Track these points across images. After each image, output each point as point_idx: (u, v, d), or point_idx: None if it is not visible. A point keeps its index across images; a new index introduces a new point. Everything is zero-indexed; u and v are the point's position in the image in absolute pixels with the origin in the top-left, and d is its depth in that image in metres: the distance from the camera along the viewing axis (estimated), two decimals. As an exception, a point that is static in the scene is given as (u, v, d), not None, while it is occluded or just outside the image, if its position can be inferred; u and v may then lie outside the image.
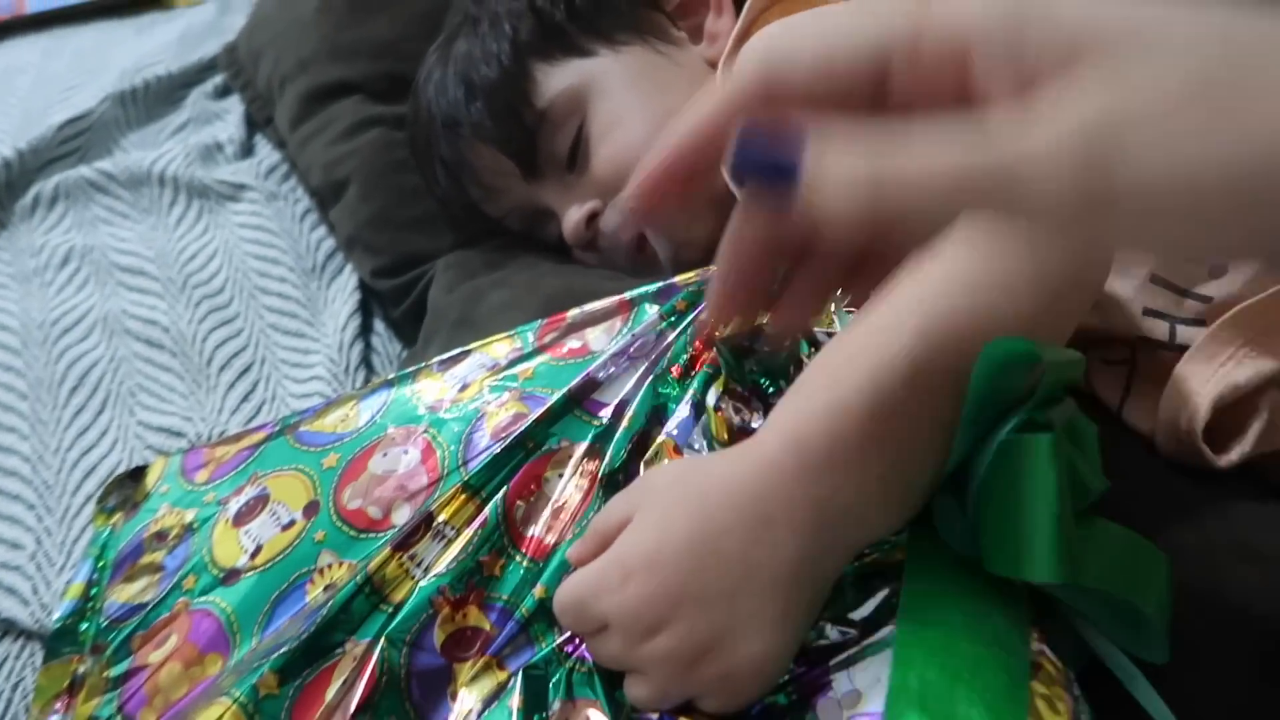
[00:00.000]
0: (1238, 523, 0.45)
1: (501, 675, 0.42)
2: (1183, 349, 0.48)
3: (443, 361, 0.56)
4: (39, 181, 0.91)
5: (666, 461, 0.43)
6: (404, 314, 0.73)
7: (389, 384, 0.56)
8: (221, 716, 0.41)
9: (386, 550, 0.45)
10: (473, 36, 0.63)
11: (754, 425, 0.42)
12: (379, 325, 0.78)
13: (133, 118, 1.01)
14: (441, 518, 0.46)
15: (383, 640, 0.42)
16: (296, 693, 0.42)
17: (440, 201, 0.69)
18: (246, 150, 0.96)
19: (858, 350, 0.37)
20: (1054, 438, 0.32)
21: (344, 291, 0.78)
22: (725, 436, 0.42)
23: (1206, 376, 0.47)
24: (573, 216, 0.62)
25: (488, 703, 0.41)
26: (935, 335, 0.36)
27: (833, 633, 0.38)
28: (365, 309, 0.77)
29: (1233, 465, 0.47)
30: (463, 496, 0.46)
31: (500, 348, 0.55)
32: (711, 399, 0.43)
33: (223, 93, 1.06)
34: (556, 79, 0.62)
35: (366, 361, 0.73)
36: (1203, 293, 0.48)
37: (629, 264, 0.63)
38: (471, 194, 0.67)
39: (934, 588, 0.35)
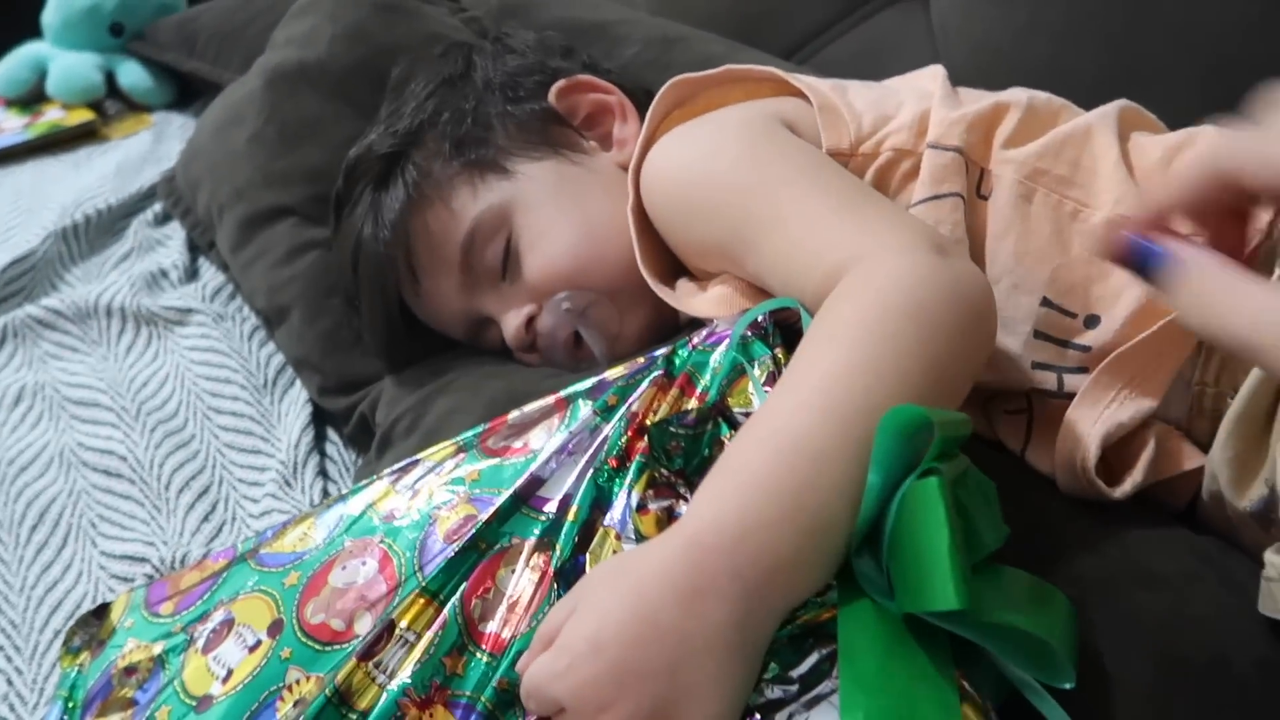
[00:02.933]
0: (1134, 549, 0.50)
1: None
2: (1071, 395, 0.53)
3: (393, 472, 0.59)
4: (-14, 323, 0.93)
5: (609, 554, 0.47)
6: (353, 430, 0.75)
7: (342, 499, 0.59)
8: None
9: (352, 661, 0.47)
10: (396, 173, 0.67)
11: (680, 510, 0.45)
12: (333, 434, 0.80)
13: (76, 252, 1.04)
14: (403, 624, 0.48)
15: None
16: None
17: (376, 327, 0.72)
18: (191, 274, 1.00)
19: (767, 434, 0.41)
20: (941, 479, 0.37)
21: (296, 405, 0.81)
22: (655, 531, 0.45)
23: (1093, 419, 0.51)
24: (512, 322, 0.66)
25: None
26: (838, 413, 0.40)
27: (775, 691, 0.41)
28: (318, 419, 0.80)
29: (1127, 495, 0.52)
30: (421, 601, 0.49)
31: (446, 453, 0.58)
32: (635, 500, 0.46)
33: (163, 219, 1.10)
34: (481, 198, 0.66)
35: (323, 472, 0.76)
36: (1081, 343, 0.53)
37: (568, 361, 0.66)
38: (416, 312, 0.70)
39: (865, 636, 0.39)
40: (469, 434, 0.58)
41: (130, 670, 0.55)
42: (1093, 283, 0.53)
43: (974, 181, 0.55)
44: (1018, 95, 0.58)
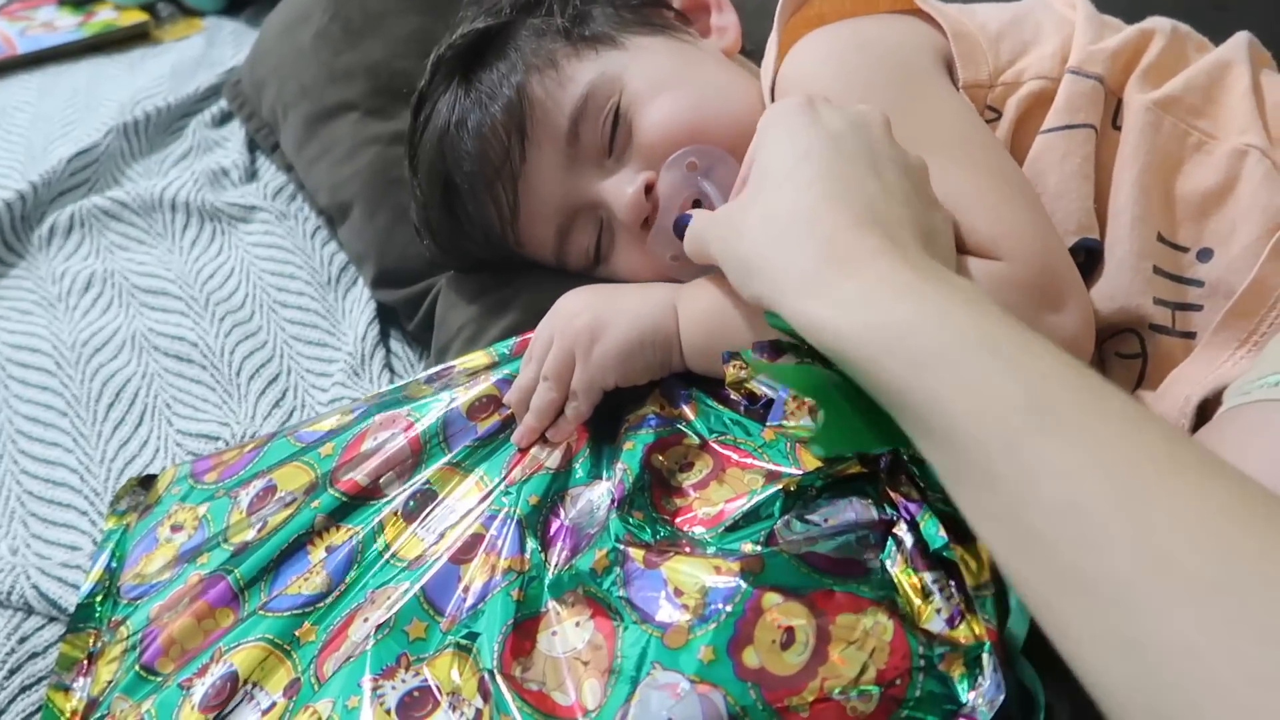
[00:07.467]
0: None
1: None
2: (1186, 334, 0.53)
3: (430, 377, 0.61)
4: (53, 213, 0.94)
5: None
6: (417, 325, 0.76)
7: (380, 397, 0.61)
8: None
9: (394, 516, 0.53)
10: (503, 48, 0.63)
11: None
12: (395, 332, 0.82)
13: (137, 149, 1.05)
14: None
15: None
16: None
17: (456, 236, 0.66)
18: (250, 175, 1.01)
19: None
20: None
21: (360, 302, 0.83)
22: None
23: (1201, 377, 0.50)
24: (625, 190, 0.59)
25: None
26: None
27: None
28: (382, 317, 0.81)
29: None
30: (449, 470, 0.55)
31: (479, 360, 0.60)
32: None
33: (221, 121, 1.11)
34: (593, 66, 0.61)
35: (389, 366, 0.77)
36: (1194, 277, 0.52)
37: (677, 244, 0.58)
38: (499, 214, 0.63)
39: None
40: (501, 345, 0.60)
41: (177, 527, 0.59)
42: (1208, 216, 0.52)
43: (1110, 112, 0.54)
44: (1161, 23, 0.57)
